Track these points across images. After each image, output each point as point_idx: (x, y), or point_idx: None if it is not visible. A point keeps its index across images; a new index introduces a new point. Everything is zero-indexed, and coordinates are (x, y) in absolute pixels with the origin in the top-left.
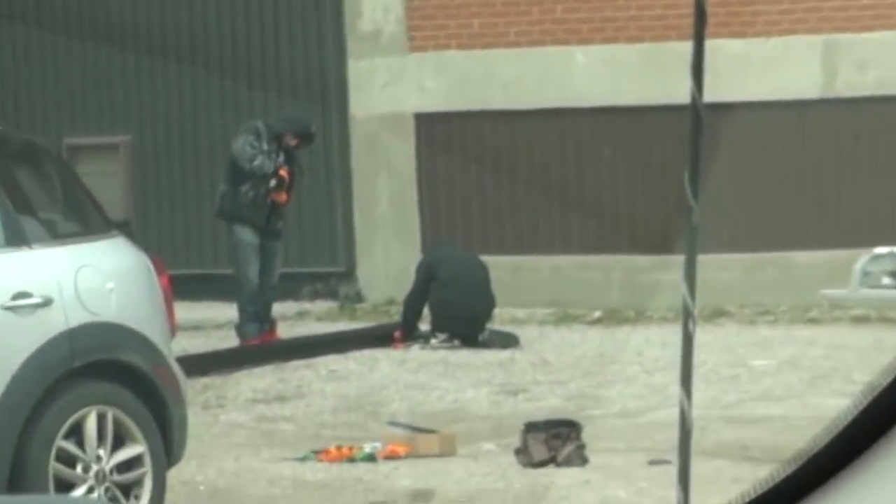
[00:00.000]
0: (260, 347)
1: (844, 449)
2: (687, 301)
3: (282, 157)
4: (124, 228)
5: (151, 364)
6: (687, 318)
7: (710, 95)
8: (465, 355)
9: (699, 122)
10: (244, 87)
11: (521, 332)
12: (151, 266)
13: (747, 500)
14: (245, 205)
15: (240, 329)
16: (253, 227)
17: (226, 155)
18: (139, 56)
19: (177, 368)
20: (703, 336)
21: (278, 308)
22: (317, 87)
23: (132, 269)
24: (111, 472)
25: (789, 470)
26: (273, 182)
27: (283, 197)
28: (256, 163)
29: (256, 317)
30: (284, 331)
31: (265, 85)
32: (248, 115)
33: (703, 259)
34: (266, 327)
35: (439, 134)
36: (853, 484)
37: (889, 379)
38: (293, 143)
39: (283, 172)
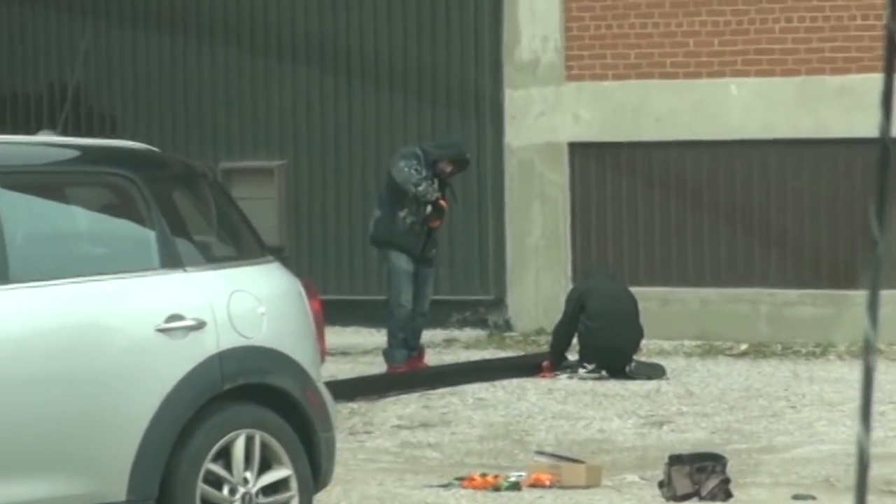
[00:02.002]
0: (407, 374)
1: None
2: (869, 334)
3: (436, 184)
4: (278, 253)
5: (301, 388)
6: (868, 351)
7: (863, 130)
8: (612, 386)
9: (887, 154)
10: (400, 112)
11: (668, 364)
12: (303, 291)
13: None
14: (402, 231)
15: (389, 355)
16: (408, 254)
17: (379, 181)
18: (296, 80)
19: (325, 393)
20: (852, 372)
21: (427, 335)
22: (473, 115)
23: (284, 293)
24: (258, 494)
25: None
26: (429, 209)
27: (437, 223)
28: (421, 188)
29: (406, 343)
30: (432, 358)
31: (421, 111)
32: (403, 141)
33: (855, 295)
34: (414, 354)
35: (593, 164)
36: None
37: None
38: (448, 169)
39: (442, 202)
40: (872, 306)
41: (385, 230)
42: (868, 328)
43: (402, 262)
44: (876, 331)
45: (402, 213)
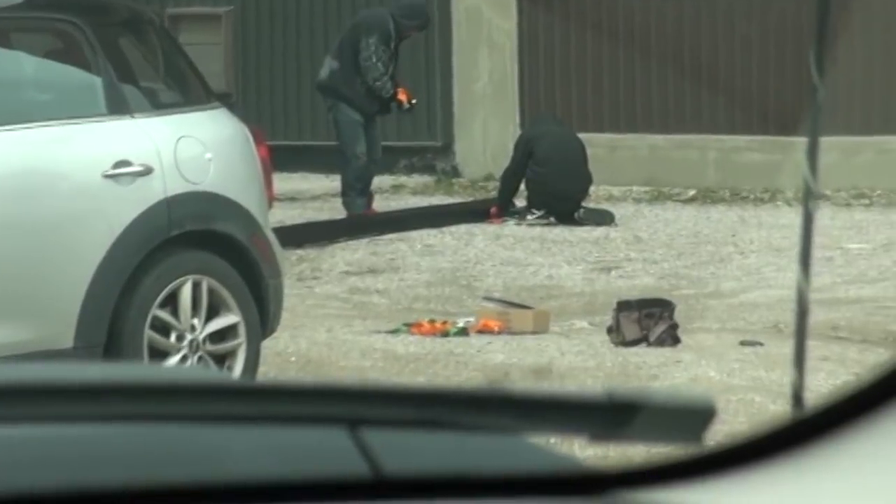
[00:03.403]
0: (354, 220)
1: None
2: (808, 180)
3: (391, 77)
4: (225, 99)
5: (248, 234)
6: (808, 197)
7: None
8: (561, 232)
9: (826, 3)
10: None
11: (617, 210)
12: (251, 137)
13: (860, 385)
14: (359, 93)
15: (350, 205)
16: (361, 112)
17: (328, 28)
18: None
19: (273, 239)
20: (799, 218)
21: (375, 181)
22: None
23: (231, 139)
24: (205, 341)
25: None
26: (389, 98)
27: (402, 98)
28: (379, 84)
29: (363, 191)
30: (380, 204)
31: None
32: None
33: (801, 142)
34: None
35: (541, 10)
36: None
37: None
38: (411, 33)
39: (401, 97)
40: (812, 152)
41: (342, 86)
42: (807, 173)
43: (353, 113)
44: (816, 177)
45: (358, 80)
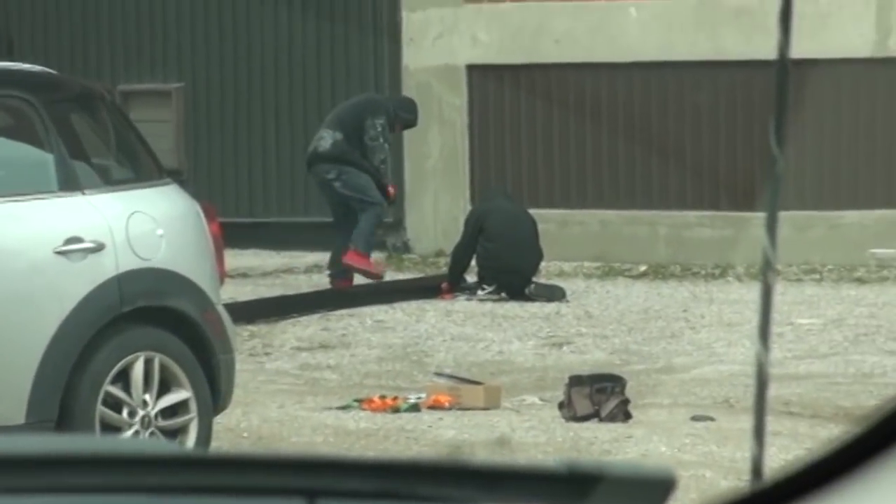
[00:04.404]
0: (305, 296)
1: None
2: (768, 253)
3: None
4: (176, 175)
5: (200, 310)
6: (767, 269)
7: (762, 52)
8: (511, 307)
9: (786, 73)
10: (298, 32)
11: (568, 286)
12: (202, 213)
13: (816, 458)
14: (362, 163)
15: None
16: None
17: (279, 102)
18: (193, 1)
19: (225, 315)
20: (750, 293)
21: (323, 257)
22: (371, 36)
23: (183, 215)
24: (157, 417)
25: (858, 431)
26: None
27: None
28: (383, 167)
29: (371, 244)
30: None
31: (319, 31)
32: (301, 61)
33: (754, 217)
34: (340, 275)
35: (491, 86)
36: None
37: None
38: (399, 129)
39: (392, 189)
40: (771, 224)
41: (348, 154)
42: (767, 246)
43: (362, 173)
44: (775, 249)
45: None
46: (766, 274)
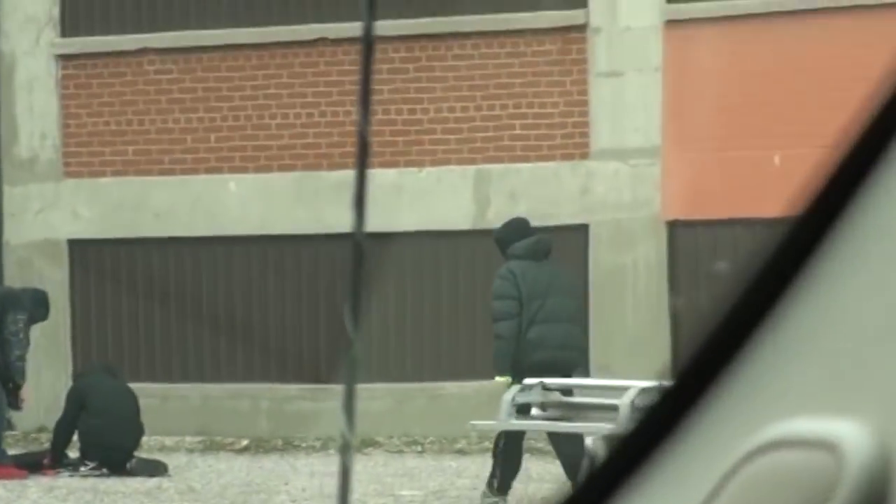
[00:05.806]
0: None
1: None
2: (345, 433)
3: None
4: None
5: None
6: (345, 449)
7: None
8: (114, 483)
9: (361, 253)
10: None
11: (170, 460)
12: None
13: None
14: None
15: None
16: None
17: None
18: None
19: None
20: (355, 465)
21: None
22: None
23: None
24: None
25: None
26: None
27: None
28: (20, 364)
29: None
30: None
31: None
32: None
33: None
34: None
35: (93, 261)
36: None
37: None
38: (36, 321)
39: (24, 394)
40: (348, 405)
41: None
42: (344, 427)
43: None
44: (353, 429)
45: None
46: (344, 453)
